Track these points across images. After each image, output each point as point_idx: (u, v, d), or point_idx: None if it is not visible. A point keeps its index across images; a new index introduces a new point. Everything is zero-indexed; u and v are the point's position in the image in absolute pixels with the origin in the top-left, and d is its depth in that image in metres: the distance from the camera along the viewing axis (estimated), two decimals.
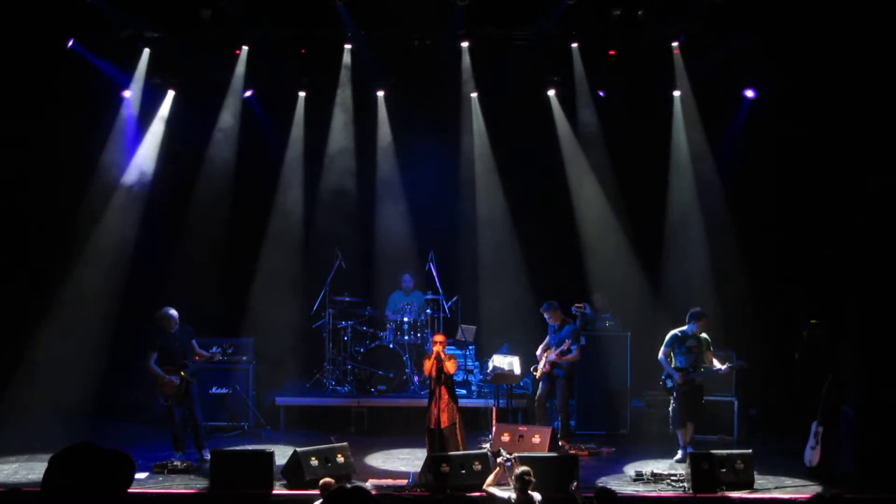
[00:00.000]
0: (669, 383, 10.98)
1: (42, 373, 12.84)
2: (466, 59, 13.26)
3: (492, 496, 8.65)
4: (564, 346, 11.49)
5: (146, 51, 12.98)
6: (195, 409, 10.85)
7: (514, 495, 8.13)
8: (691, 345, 10.90)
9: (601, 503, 7.73)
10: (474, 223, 14.12)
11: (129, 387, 12.87)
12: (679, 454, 10.84)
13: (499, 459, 8.83)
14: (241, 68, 13.27)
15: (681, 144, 13.53)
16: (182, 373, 10.67)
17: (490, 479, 8.88)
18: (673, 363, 10.97)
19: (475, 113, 13.98)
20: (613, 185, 13.66)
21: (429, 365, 10.54)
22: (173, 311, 10.90)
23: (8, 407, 12.33)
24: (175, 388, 10.68)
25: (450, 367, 10.45)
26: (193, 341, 10.99)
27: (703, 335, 10.96)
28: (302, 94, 13.91)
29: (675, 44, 12.85)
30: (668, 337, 11.03)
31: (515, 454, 9.06)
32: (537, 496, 8.06)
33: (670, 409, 11.07)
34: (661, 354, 11.04)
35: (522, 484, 8.03)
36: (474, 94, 13.79)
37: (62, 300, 13.06)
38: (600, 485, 9.29)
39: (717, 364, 10.87)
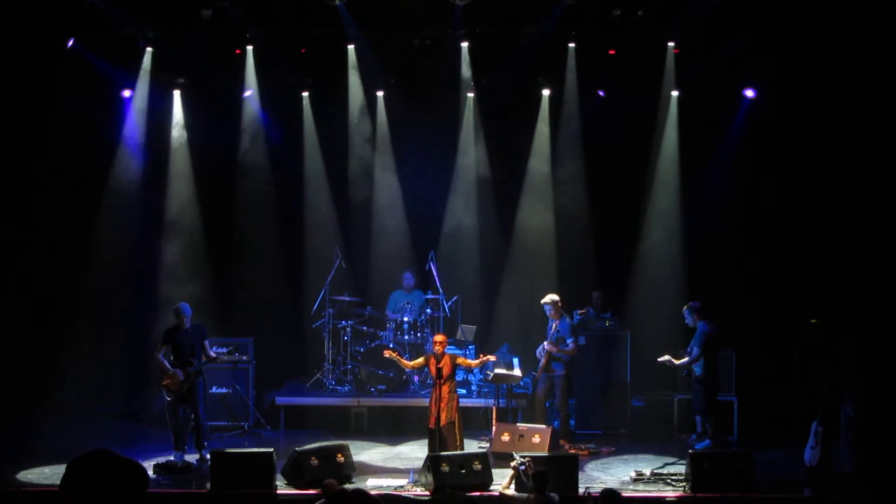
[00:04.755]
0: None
1: (40, 373, 12.86)
2: (466, 59, 13.26)
3: (510, 498, 8.59)
4: (569, 344, 11.49)
5: (148, 50, 12.98)
6: (199, 409, 10.78)
7: (531, 496, 8.10)
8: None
9: None
10: (474, 222, 14.10)
11: (129, 387, 12.86)
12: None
13: (512, 463, 8.79)
14: (244, 68, 13.27)
15: (681, 143, 13.52)
16: (186, 369, 10.65)
17: (505, 481, 8.84)
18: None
19: (475, 113, 13.96)
20: (614, 184, 13.64)
21: (422, 363, 10.58)
22: (186, 307, 10.89)
23: (7, 407, 12.35)
24: (179, 383, 10.63)
25: (470, 362, 10.98)
26: (206, 342, 10.94)
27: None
28: (305, 93, 13.91)
29: (672, 44, 12.86)
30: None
31: (528, 456, 8.99)
32: (555, 496, 8.05)
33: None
34: None
35: (541, 484, 8.00)
36: (470, 94, 13.77)
37: (62, 301, 13.07)
38: (605, 486, 9.26)
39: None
